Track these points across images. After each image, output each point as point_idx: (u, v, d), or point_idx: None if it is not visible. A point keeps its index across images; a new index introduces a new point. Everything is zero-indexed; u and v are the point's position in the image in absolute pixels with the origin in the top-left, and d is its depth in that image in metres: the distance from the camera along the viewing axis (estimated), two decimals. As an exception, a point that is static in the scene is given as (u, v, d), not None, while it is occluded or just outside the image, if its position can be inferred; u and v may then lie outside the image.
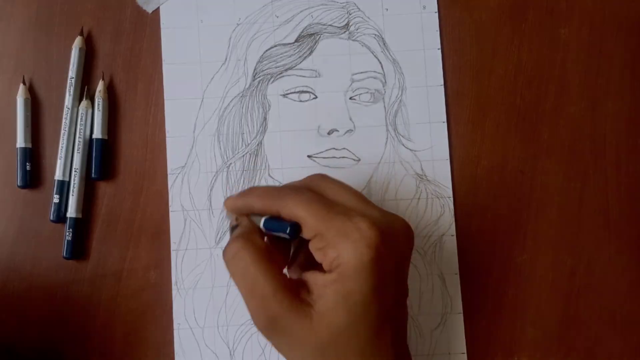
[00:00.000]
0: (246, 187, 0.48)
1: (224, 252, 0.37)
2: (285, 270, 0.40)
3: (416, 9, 0.50)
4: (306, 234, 0.35)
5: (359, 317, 0.33)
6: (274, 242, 0.38)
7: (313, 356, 0.34)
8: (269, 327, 0.34)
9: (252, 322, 0.35)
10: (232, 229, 0.38)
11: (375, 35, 0.50)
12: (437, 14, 0.50)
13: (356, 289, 0.33)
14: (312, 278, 0.35)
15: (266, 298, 0.34)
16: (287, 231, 0.35)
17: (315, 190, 0.37)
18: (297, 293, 0.34)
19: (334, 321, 0.33)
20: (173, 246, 0.49)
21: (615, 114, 0.49)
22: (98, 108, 0.49)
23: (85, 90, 0.49)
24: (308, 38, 0.50)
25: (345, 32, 0.50)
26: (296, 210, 0.35)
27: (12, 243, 0.49)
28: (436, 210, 0.49)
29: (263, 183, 0.49)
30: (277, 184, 0.49)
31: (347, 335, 0.33)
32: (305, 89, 0.50)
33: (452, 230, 0.48)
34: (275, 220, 0.36)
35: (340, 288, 0.33)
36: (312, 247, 0.35)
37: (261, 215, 0.37)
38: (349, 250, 0.33)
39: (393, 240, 0.35)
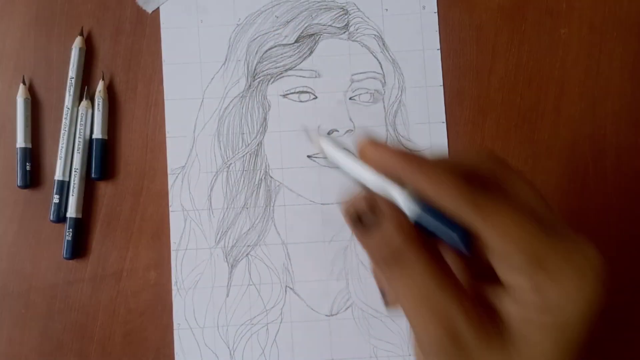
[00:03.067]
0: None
1: (386, 262, 0.25)
2: None
3: (416, 9, 0.50)
4: (508, 262, 0.25)
5: (566, 353, 0.26)
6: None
7: None
8: (445, 348, 0.24)
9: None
10: (356, 219, 0.25)
11: (375, 35, 0.50)
12: (436, 14, 0.50)
13: (571, 324, 0.25)
14: (509, 307, 0.25)
15: (446, 308, 0.24)
16: (462, 243, 0.24)
17: (498, 187, 0.26)
18: (485, 319, 0.25)
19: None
20: (173, 246, 0.49)
21: (615, 114, 0.49)
22: (98, 108, 0.49)
23: (85, 90, 0.50)
24: (308, 38, 0.50)
25: (345, 32, 0.50)
26: (505, 231, 0.24)
27: (12, 243, 0.49)
28: (436, 210, 0.49)
29: (263, 184, 0.49)
30: (277, 184, 0.49)
31: None
32: (305, 89, 0.50)
33: (452, 230, 0.48)
34: (438, 215, 0.24)
35: (558, 337, 0.25)
36: (513, 269, 0.25)
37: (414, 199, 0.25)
38: (578, 288, 0.24)
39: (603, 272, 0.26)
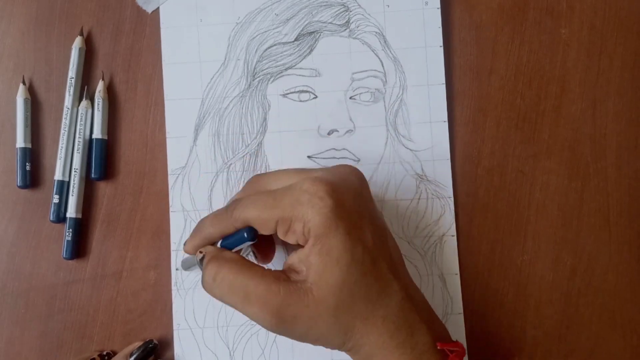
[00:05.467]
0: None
1: (203, 283, 0.37)
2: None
3: (418, 5, 0.50)
4: (268, 228, 0.36)
5: (349, 266, 0.34)
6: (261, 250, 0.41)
7: (329, 328, 0.34)
8: (279, 322, 0.34)
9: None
10: (201, 262, 0.39)
11: (376, 32, 0.50)
12: (439, 10, 0.50)
13: (333, 242, 0.33)
14: (295, 258, 0.35)
15: (263, 297, 0.34)
16: (245, 236, 0.36)
17: (253, 189, 0.39)
18: (287, 279, 0.35)
19: (330, 281, 0.33)
20: (173, 246, 0.49)
21: (615, 114, 0.49)
22: (98, 108, 0.49)
23: (85, 90, 0.49)
24: (308, 36, 0.50)
25: (345, 29, 0.50)
26: (247, 214, 0.36)
27: (12, 243, 0.49)
28: (436, 210, 0.49)
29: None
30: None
31: (347, 289, 0.34)
32: (305, 88, 0.50)
33: (453, 230, 0.48)
34: (229, 236, 0.38)
35: (320, 248, 0.34)
36: (280, 234, 0.36)
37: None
38: (308, 212, 0.34)
39: (344, 184, 0.36)
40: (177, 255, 0.48)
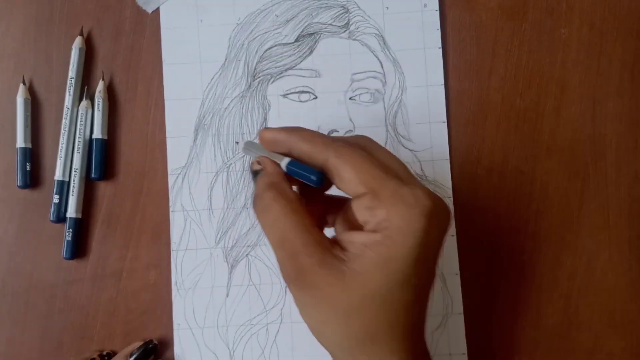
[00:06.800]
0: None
1: (254, 202, 0.34)
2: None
3: (417, 7, 0.50)
4: (354, 189, 0.32)
5: (396, 285, 0.31)
6: (306, 193, 0.36)
7: (338, 317, 0.31)
8: (298, 281, 0.32)
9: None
10: (255, 173, 0.35)
11: (376, 34, 0.50)
12: (438, 12, 0.50)
13: (399, 256, 0.31)
14: (349, 237, 0.32)
15: (296, 251, 0.31)
16: (314, 177, 0.33)
17: (365, 149, 0.34)
18: (329, 248, 0.32)
19: (369, 284, 0.31)
20: (173, 246, 0.49)
21: (615, 114, 0.49)
22: (98, 108, 0.49)
23: (85, 90, 0.49)
24: (308, 37, 0.50)
25: (345, 31, 0.50)
26: (351, 162, 0.32)
27: (12, 243, 0.49)
28: (436, 210, 0.49)
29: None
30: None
31: (379, 301, 0.31)
32: (305, 89, 0.50)
33: (453, 230, 0.48)
34: (300, 164, 0.34)
35: (384, 251, 0.31)
36: (360, 205, 0.33)
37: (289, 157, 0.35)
38: (403, 213, 0.31)
39: (441, 216, 0.33)
40: (177, 255, 0.48)
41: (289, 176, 0.34)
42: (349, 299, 0.31)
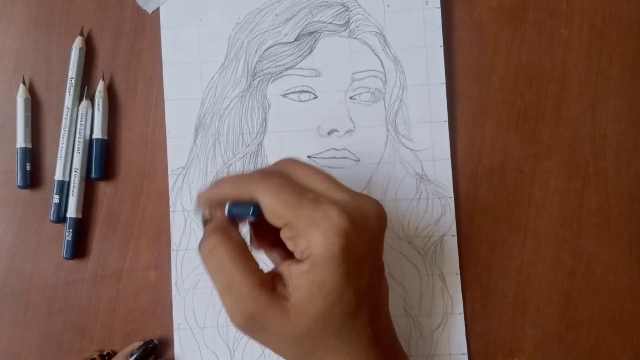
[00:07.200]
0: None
1: (200, 246, 0.36)
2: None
3: (418, 4, 0.50)
4: (276, 222, 0.34)
5: (334, 304, 0.33)
6: (263, 229, 0.38)
7: (291, 347, 0.34)
8: (247, 325, 0.34)
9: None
10: (205, 222, 0.38)
11: (376, 32, 0.50)
12: (439, 10, 0.49)
13: (329, 278, 0.33)
14: (287, 270, 0.34)
15: (243, 296, 0.33)
16: (250, 212, 0.35)
17: (285, 174, 0.36)
18: (273, 288, 0.34)
19: (310, 311, 0.33)
20: (173, 246, 0.49)
21: (615, 114, 0.49)
22: (98, 108, 0.49)
23: (85, 90, 0.49)
24: (308, 36, 0.50)
25: (345, 29, 0.50)
26: (265, 197, 0.34)
27: (12, 243, 0.49)
28: (437, 210, 0.49)
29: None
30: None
31: (322, 322, 0.33)
32: (305, 88, 0.50)
33: (453, 230, 0.48)
34: (238, 204, 0.36)
35: (314, 278, 0.33)
36: (283, 236, 0.35)
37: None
38: (319, 240, 0.32)
39: (365, 224, 0.34)
40: (177, 255, 0.48)
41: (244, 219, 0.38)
42: (297, 329, 0.33)
